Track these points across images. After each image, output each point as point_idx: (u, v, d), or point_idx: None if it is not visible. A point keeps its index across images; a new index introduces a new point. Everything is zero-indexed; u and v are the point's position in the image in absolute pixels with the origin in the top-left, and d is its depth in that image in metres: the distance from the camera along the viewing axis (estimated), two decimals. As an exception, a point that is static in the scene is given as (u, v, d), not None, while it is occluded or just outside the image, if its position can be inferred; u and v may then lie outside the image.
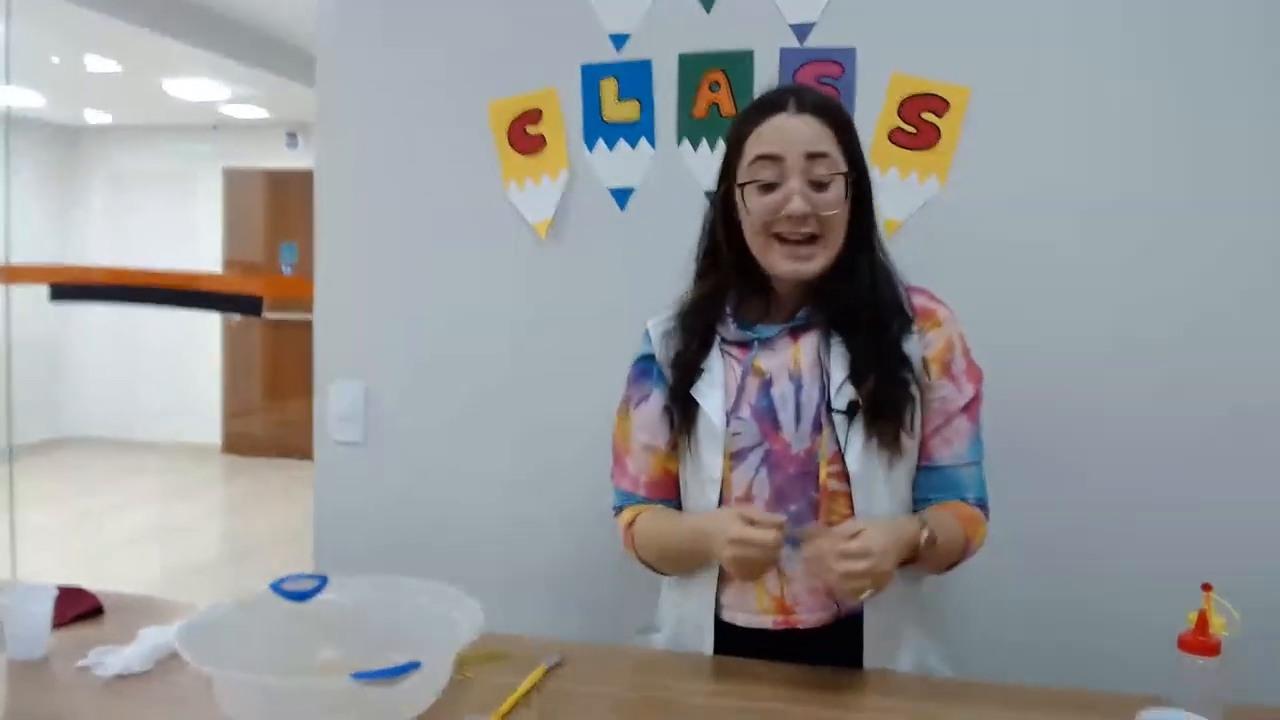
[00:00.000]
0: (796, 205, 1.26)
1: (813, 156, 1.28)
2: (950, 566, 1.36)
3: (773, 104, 1.31)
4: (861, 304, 1.32)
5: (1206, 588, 1.13)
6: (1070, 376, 1.73)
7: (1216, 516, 1.68)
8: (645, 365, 1.44)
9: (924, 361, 1.33)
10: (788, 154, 1.27)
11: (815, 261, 1.30)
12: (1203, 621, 1.12)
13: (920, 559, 1.27)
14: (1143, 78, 1.68)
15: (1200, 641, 1.11)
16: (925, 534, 1.25)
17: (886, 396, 1.28)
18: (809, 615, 1.31)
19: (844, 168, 1.29)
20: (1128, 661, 1.51)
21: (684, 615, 1.41)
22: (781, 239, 1.30)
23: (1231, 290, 1.67)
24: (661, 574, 1.45)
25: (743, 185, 1.31)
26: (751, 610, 1.34)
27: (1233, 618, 1.12)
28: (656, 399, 1.41)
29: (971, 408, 1.36)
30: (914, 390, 1.31)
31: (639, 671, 1.34)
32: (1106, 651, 1.69)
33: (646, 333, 1.45)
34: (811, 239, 1.29)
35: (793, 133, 1.28)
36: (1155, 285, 1.69)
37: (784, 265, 1.30)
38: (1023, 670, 1.48)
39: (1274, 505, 1.66)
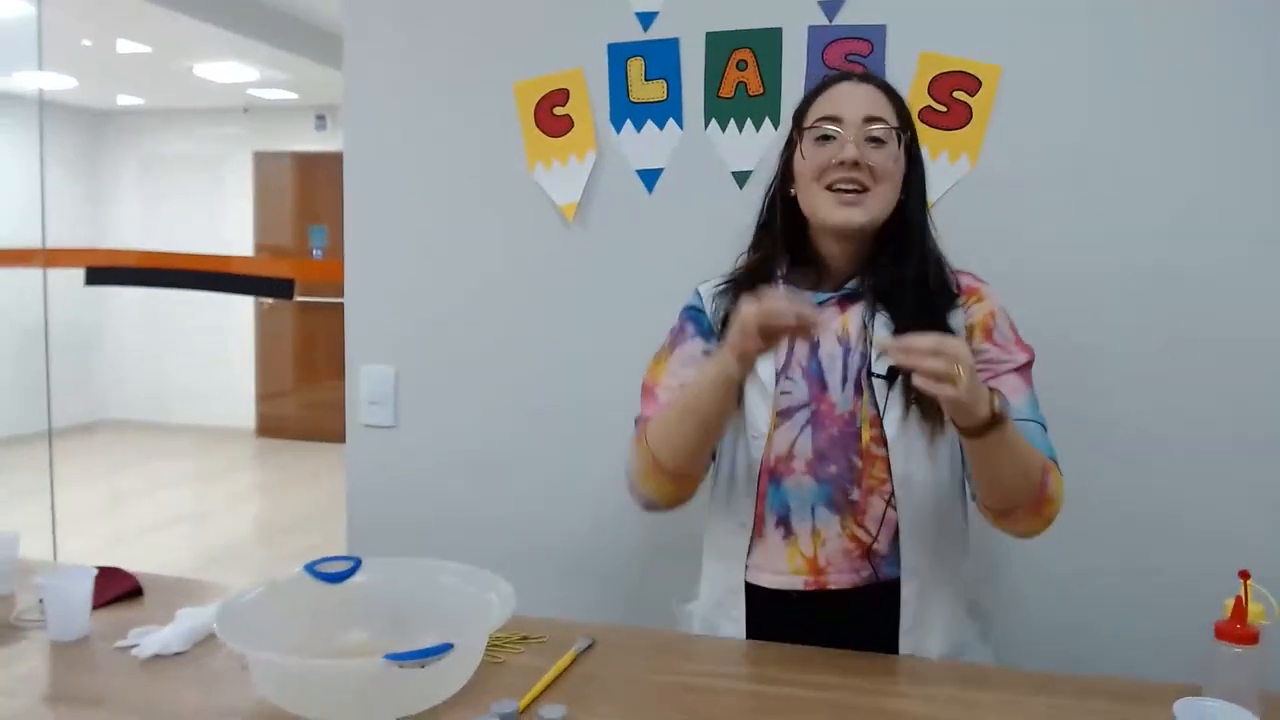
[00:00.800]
0: (850, 151, 1.30)
1: (870, 120, 1.32)
2: (1030, 506, 1.25)
3: (836, 78, 1.39)
4: (910, 278, 1.33)
5: (1244, 575, 1.12)
6: (1104, 354, 1.71)
7: (1261, 500, 1.65)
8: (694, 315, 1.45)
9: (968, 330, 1.33)
10: (847, 115, 1.32)
11: (863, 210, 1.31)
12: (1240, 609, 1.10)
13: (997, 427, 1.15)
14: (1175, 55, 1.65)
15: (1237, 630, 1.09)
16: (997, 399, 1.15)
17: None
18: (840, 576, 1.32)
19: (899, 125, 1.33)
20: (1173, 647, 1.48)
21: (716, 580, 1.43)
22: (831, 190, 1.32)
23: (1274, 265, 1.64)
24: (675, 473, 1.34)
25: (802, 132, 1.35)
26: (782, 570, 1.34)
27: (1271, 605, 1.11)
28: (700, 343, 1.42)
29: (1024, 371, 1.33)
30: None
31: (671, 655, 1.34)
32: (1150, 636, 1.67)
33: (697, 292, 1.47)
34: (862, 190, 1.31)
35: (855, 96, 1.34)
36: (1192, 262, 1.67)
37: (834, 213, 1.31)
38: (1062, 651, 1.46)
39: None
